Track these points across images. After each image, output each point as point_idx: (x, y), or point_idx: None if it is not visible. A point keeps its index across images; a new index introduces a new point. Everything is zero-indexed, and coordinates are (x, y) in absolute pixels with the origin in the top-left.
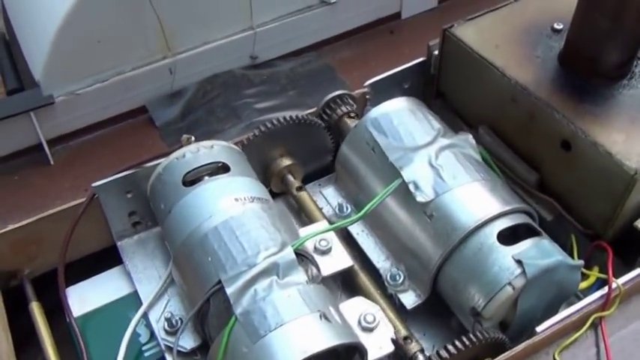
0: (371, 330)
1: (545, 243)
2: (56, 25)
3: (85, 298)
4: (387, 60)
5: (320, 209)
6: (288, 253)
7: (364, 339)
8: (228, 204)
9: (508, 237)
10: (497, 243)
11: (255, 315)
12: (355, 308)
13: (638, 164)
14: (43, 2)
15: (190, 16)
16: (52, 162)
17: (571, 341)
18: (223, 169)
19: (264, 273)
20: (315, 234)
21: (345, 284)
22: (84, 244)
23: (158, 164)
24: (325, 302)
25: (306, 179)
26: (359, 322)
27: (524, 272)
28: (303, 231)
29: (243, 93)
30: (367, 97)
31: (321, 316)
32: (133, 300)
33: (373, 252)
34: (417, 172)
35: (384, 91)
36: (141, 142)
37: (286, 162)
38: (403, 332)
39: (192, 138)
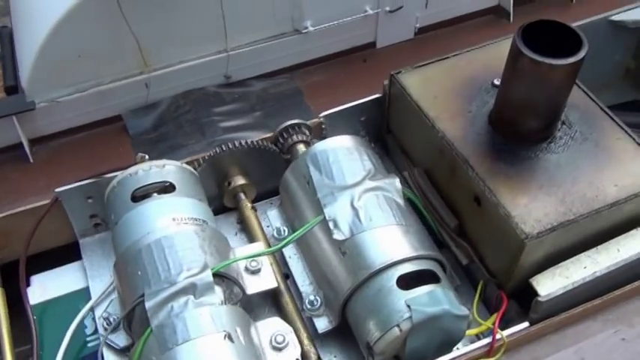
0: (280, 349)
1: (439, 291)
2: (41, 38)
3: (44, 287)
4: (357, 88)
5: (262, 230)
6: (207, 276)
7: (272, 358)
8: (165, 223)
9: (413, 280)
10: (395, 286)
11: (167, 329)
12: (270, 328)
13: (532, 230)
14: (33, 16)
15: (167, 37)
16: (31, 160)
17: None
18: (171, 188)
19: (182, 292)
20: (238, 259)
21: (275, 303)
22: (50, 238)
23: (115, 177)
24: (233, 323)
25: (263, 196)
26: (270, 341)
27: (411, 317)
28: (240, 251)
29: (212, 110)
30: (323, 126)
31: (225, 336)
32: (86, 294)
33: (300, 276)
34: (338, 211)
35: (342, 121)
36: (114, 148)
37: (240, 181)
38: (312, 354)
39: (146, 156)
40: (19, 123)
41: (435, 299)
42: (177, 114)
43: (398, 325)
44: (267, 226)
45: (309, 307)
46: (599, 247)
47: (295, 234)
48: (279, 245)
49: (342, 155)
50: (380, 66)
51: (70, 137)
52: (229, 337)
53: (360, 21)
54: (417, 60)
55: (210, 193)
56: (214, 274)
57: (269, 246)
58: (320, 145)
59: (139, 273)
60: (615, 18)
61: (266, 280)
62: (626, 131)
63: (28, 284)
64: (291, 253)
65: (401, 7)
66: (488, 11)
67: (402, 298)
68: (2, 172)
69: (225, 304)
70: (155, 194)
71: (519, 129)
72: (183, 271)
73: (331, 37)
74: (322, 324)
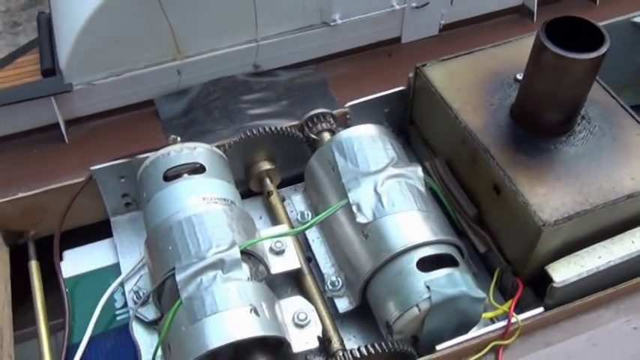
0: (302, 327)
1: (457, 274)
2: (80, 24)
3: (77, 262)
4: (380, 81)
5: (286, 213)
6: (235, 252)
7: (294, 334)
8: (196, 202)
9: (432, 263)
10: (415, 268)
11: (196, 301)
12: (292, 306)
13: (549, 217)
14: (72, 1)
15: (199, 25)
16: (66, 140)
17: None
18: (201, 169)
19: (211, 267)
20: (263, 239)
21: (298, 284)
22: (84, 215)
23: (147, 157)
24: (259, 298)
25: (288, 182)
26: (293, 319)
27: (430, 297)
28: (265, 232)
29: (240, 98)
30: (347, 116)
31: (251, 310)
32: (116, 270)
33: (323, 258)
34: (361, 196)
35: (366, 112)
36: (145, 131)
37: (266, 166)
38: (332, 332)
39: (178, 138)
40: (56, 104)
41: (453, 281)
42: (207, 100)
43: (417, 305)
44: (292, 211)
45: (330, 287)
46: (614, 238)
47: (319, 216)
48: (304, 227)
49: (367, 143)
50: (404, 60)
51: (105, 119)
52: (255, 310)
53: (386, 15)
54: (440, 56)
55: (238, 177)
56: (241, 252)
57: (293, 228)
58: (345, 133)
59: (170, 248)
60: (638, 20)
61: (290, 260)
62: None
63: (61, 259)
64: (314, 237)
65: (427, 4)
66: (513, 10)
67: (421, 279)
68: (39, 150)
69: (252, 280)
70: (186, 175)
71: (540, 122)
72: (212, 247)
73: (358, 30)
74: (343, 304)
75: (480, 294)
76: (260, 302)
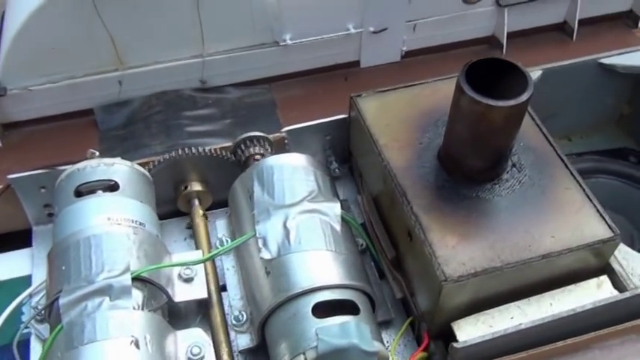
0: None
1: (351, 324)
2: (16, 27)
3: None
4: (332, 106)
5: (208, 238)
6: (125, 279)
7: None
8: (100, 222)
9: (335, 308)
10: (309, 313)
11: (76, 327)
12: (189, 338)
13: (453, 272)
14: (16, 4)
15: (141, 36)
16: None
17: None
18: (115, 187)
19: (99, 292)
20: (160, 266)
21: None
22: (6, 222)
23: (65, 170)
24: (145, 330)
25: (222, 204)
26: (187, 352)
27: (317, 346)
28: (176, 257)
29: (182, 114)
30: (285, 141)
31: (132, 342)
32: (29, 282)
33: (234, 289)
34: (269, 230)
35: (306, 138)
36: (81, 141)
37: (196, 187)
38: None
39: (97, 153)
40: None
41: (345, 332)
42: (148, 114)
43: (304, 353)
44: (215, 236)
45: (234, 322)
46: (532, 298)
47: (224, 248)
48: (206, 257)
49: (288, 173)
50: (361, 86)
51: (42, 126)
52: (136, 343)
53: (342, 39)
54: (400, 83)
55: (167, 195)
56: (136, 278)
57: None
58: (269, 161)
59: (63, 268)
60: (605, 61)
61: (197, 289)
62: (578, 182)
63: None
64: (229, 265)
65: (385, 29)
66: (483, 41)
67: (313, 325)
68: None
69: (143, 309)
70: (100, 191)
71: (462, 167)
72: (103, 272)
73: (311, 52)
74: (244, 341)
75: (373, 347)
76: (145, 334)
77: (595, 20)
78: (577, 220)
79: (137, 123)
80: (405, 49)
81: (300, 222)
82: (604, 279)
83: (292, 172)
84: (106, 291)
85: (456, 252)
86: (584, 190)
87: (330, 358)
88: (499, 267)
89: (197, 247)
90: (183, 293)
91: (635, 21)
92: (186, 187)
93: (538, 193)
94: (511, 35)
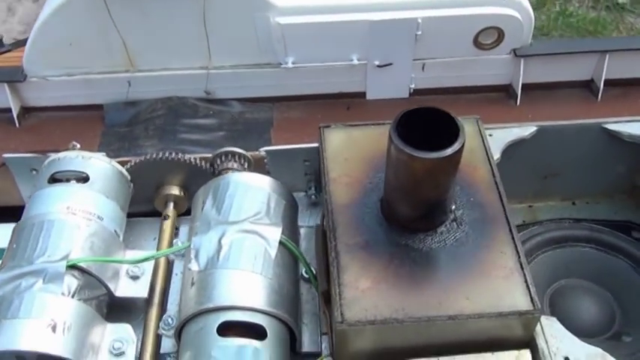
0: (115, 355)
1: (249, 348)
2: (40, 22)
3: None
4: None
5: (171, 241)
6: (60, 265)
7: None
8: (58, 209)
9: (248, 330)
10: (214, 330)
11: (5, 302)
12: (115, 332)
13: (351, 317)
14: (47, 2)
15: (151, 43)
16: (17, 125)
17: None
18: (85, 179)
19: (34, 274)
20: (97, 260)
21: None
22: (6, 196)
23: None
24: (68, 317)
25: None
26: (109, 345)
27: None
28: (129, 254)
29: (180, 120)
30: (265, 161)
31: (49, 325)
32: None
33: (175, 294)
34: (204, 243)
35: (285, 161)
36: (87, 132)
37: (173, 191)
38: None
39: (77, 145)
40: (9, 90)
41: (239, 354)
42: (150, 116)
43: None
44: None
45: (163, 325)
46: (442, 358)
47: (156, 254)
48: (135, 259)
49: (241, 192)
50: (361, 116)
51: (56, 113)
52: (53, 327)
53: (346, 68)
54: None
55: (147, 194)
56: (74, 267)
57: (166, 257)
58: (230, 177)
59: (14, 246)
60: (610, 127)
61: (139, 288)
62: (516, 248)
63: None
64: (178, 271)
65: (390, 64)
66: (500, 89)
67: (214, 343)
68: None
69: (73, 297)
70: (74, 181)
71: (396, 213)
72: (43, 256)
73: (314, 77)
74: (166, 345)
75: None
76: (65, 320)
77: (629, 82)
78: (500, 287)
79: (139, 124)
80: (413, 86)
81: (235, 240)
82: (524, 353)
83: (245, 191)
84: (40, 274)
85: (363, 297)
86: (519, 257)
87: None
88: (400, 319)
89: (158, 248)
90: (125, 289)
91: None
92: (163, 190)
93: (470, 251)
94: (532, 87)
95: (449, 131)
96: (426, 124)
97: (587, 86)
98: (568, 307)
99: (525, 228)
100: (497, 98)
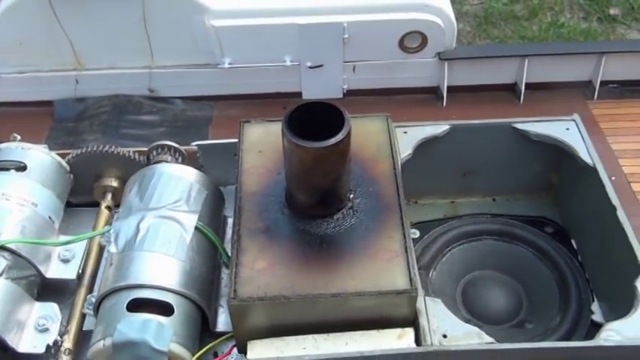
0: (40, 331)
1: (153, 323)
2: None
3: None
4: None
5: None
6: None
7: (28, 335)
8: None
9: (159, 309)
10: (124, 306)
11: None
12: (42, 310)
13: (243, 293)
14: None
15: (97, 43)
16: None
17: None
18: (23, 168)
19: None
20: (20, 241)
21: None
22: None
23: None
24: None
25: None
26: (35, 322)
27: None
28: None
29: (124, 117)
30: (198, 155)
31: None
32: None
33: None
34: (123, 227)
35: (218, 155)
36: (35, 127)
37: (109, 182)
38: (69, 344)
39: (18, 137)
40: None
41: (143, 328)
42: (96, 112)
43: (104, 339)
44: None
45: (87, 305)
46: (331, 334)
47: (78, 237)
48: (58, 241)
49: (164, 181)
50: None
51: (9, 108)
52: None
53: (280, 70)
54: None
55: (87, 186)
56: (3, 248)
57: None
58: (157, 167)
59: None
60: (519, 126)
61: (69, 270)
62: (404, 234)
63: None
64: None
65: (321, 66)
66: (429, 91)
67: (122, 316)
68: None
69: (1, 276)
70: (13, 170)
71: (295, 201)
72: None
73: (251, 78)
74: (91, 323)
75: (164, 347)
76: None
77: (554, 86)
78: (383, 268)
79: (85, 120)
80: (346, 87)
81: (152, 225)
82: (408, 331)
83: (168, 181)
84: None
85: (258, 276)
86: (405, 241)
87: (124, 349)
88: (287, 297)
89: None
90: (56, 271)
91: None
92: (101, 182)
93: (361, 236)
94: (458, 89)
95: (339, 124)
96: (321, 119)
97: (512, 89)
98: (479, 297)
99: (445, 222)
100: (425, 100)
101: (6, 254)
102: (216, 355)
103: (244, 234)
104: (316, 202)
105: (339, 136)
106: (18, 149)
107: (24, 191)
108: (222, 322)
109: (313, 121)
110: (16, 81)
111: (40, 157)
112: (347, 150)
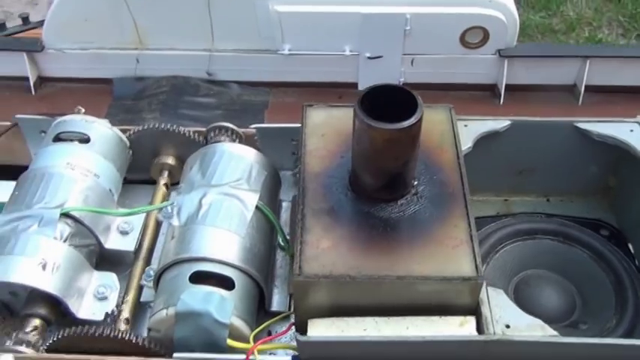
0: (99, 299)
1: (216, 295)
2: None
3: None
4: None
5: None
6: (55, 212)
7: (88, 303)
8: (60, 164)
9: (218, 281)
10: (187, 277)
11: (3, 240)
12: (101, 279)
13: (309, 270)
14: None
15: (160, 23)
16: (33, 92)
17: None
18: (87, 140)
19: (31, 217)
20: (84, 209)
21: None
22: (17, 156)
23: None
24: (58, 259)
25: None
26: (94, 290)
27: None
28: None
29: (182, 98)
30: (255, 138)
31: (40, 263)
32: None
33: (160, 251)
34: (186, 201)
35: (274, 139)
36: (94, 103)
37: (167, 160)
38: (126, 313)
39: (82, 110)
40: (28, 60)
41: (207, 299)
42: (155, 92)
43: (167, 308)
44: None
45: (145, 277)
46: (392, 318)
47: (138, 209)
48: (121, 212)
49: (226, 159)
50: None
51: (69, 84)
52: (44, 265)
53: (340, 59)
54: None
55: (144, 163)
56: (67, 215)
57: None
58: (218, 146)
59: (16, 193)
60: (581, 126)
61: (128, 242)
62: (469, 224)
63: None
64: (165, 231)
65: (381, 57)
66: (486, 88)
67: (185, 287)
68: (10, 95)
69: (65, 242)
70: (77, 142)
71: (360, 183)
72: (41, 203)
73: (309, 65)
74: (147, 295)
75: (227, 320)
76: (55, 261)
77: (613, 89)
78: (448, 255)
79: (144, 98)
80: (402, 80)
81: (214, 201)
82: (470, 319)
83: (229, 159)
84: (37, 218)
85: (322, 254)
86: (470, 230)
87: (187, 319)
88: (353, 276)
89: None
90: (114, 242)
91: None
92: (159, 159)
93: (426, 223)
94: (516, 88)
95: (411, 109)
96: (392, 103)
97: (570, 91)
98: (532, 295)
99: (498, 219)
100: (482, 97)
101: (69, 221)
102: (270, 334)
103: (308, 213)
104: (382, 186)
105: (413, 120)
106: (82, 122)
107: (87, 162)
108: (277, 302)
109: (382, 105)
110: (79, 57)
111: (102, 130)
112: (418, 134)
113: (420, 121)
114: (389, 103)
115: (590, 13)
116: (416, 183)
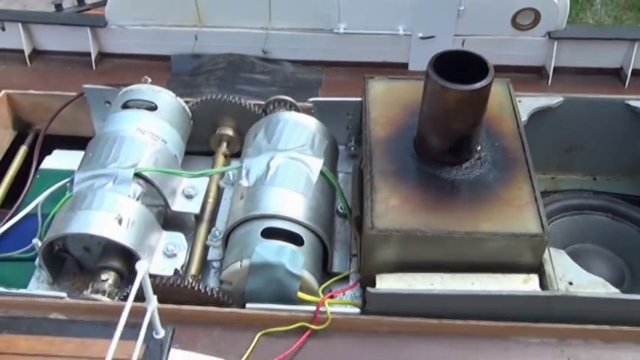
0: (168, 256)
1: (287, 249)
2: None
3: (59, 160)
4: None
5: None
6: (129, 172)
7: (158, 259)
8: (130, 128)
9: (288, 237)
10: (259, 232)
11: (80, 196)
12: (170, 238)
13: (380, 224)
14: None
15: (220, 2)
16: (94, 67)
17: (274, 330)
18: (154, 108)
19: (107, 176)
20: (157, 170)
21: None
22: (83, 126)
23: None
24: (132, 215)
25: None
26: (164, 248)
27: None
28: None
29: (239, 74)
30: (312, 111)
31: (116, 218)
32: None
33: (223, 215)
34: (254, 164)
35: (330, 113)
36: (153, 79)
37: (226, 131)
38: (194, 270)
39: (149, 80)
40: (91, 35)
41: (279, 252)
42: (212, 68)
43: (241, 260)
44: None
45: (211, 237)
46: (457, 274)
47: (208, 171)
48: (191, 173)
49: (290, 127)
50: None
51: (129, 60)
52: (120, 220)
53: (393, 38)
54: None
55: (205, 134)
56: (139, 176)
57: (217, 186)
58: (282, 114)
59: (90, 154)
60: (632, 103)
61: (193, 205)
62: (532, 186)
63: (50, 154)
64: (227, 196)
65: (433, 37)
66: (533, 70)
67: (258, 241)
68: (72, 69)
69: (137, 200)
70: (144, 110)
71: (426, 145)
72: (115, 163)
73: (362, 45)
74: (213, 254)
75: (299, 272)
76: (129, 217)
77: None
78: (515, 214)
79: (201, 74)
80: None
81: (282, 164)
82: (533, 277)
83: (294, 127)
84: (112, 177)
85: (392, 211)
86: (534, 192)
87: (261, 270)
88: (423, 231)
89: (210, 181)
90: (180, 205)
91: None
92: (219, 130)
93: (490, 185)
94: (564, 71)
95: (480, 73)
96: (462, 67)
97: (616, 74)
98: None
99: (547, 196)
100: (529, 79)
101: (141, 182)
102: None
103: (376, 174)
104: (449, 148)
105: (484, 82)
106: (149, 90)
107: (155, 128)
108: (337, 263)
109: (450, 70)
110: (139, 33)
111: (168, 99)
112: (487, 96)
113: (490, 84)
114: (458, 68)
115: (610, 21)
116: (479, 148)
